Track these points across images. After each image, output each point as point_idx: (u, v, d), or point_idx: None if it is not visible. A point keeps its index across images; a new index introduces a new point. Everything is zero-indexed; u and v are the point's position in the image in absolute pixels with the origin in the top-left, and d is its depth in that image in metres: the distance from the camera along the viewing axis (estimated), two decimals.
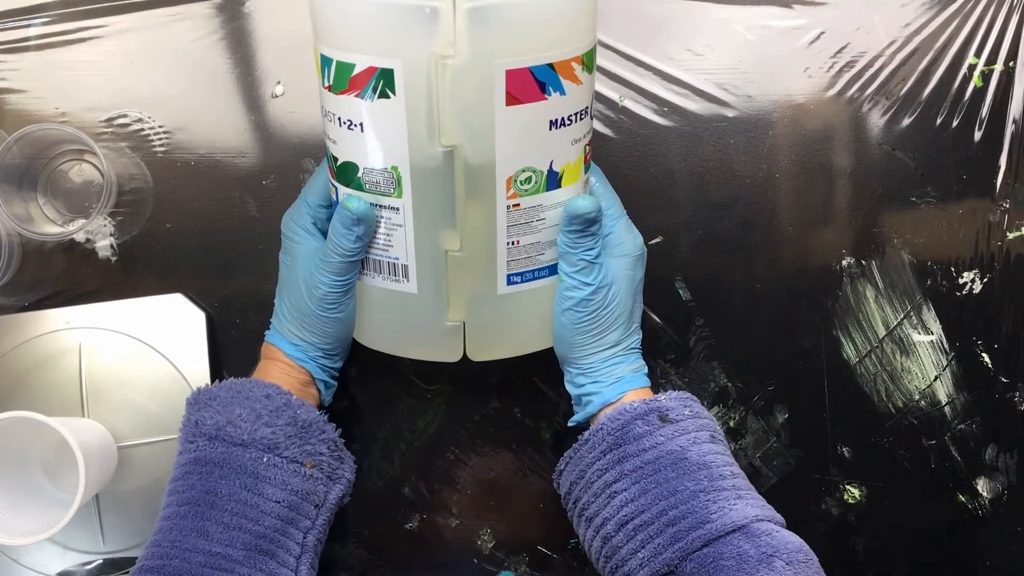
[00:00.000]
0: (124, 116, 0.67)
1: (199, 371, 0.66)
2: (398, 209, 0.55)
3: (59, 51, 0.67)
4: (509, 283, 0.58)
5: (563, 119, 0.53)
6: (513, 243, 0.56)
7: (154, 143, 0.67)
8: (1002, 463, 0.71)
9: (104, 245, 0.67)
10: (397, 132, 0.52)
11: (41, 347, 0.65)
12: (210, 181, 0.68)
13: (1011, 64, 0.68)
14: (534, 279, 0.58)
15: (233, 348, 0.68)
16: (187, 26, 0.67)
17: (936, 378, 0.70)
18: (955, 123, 0.69)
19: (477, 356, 0.61)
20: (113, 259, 0.68)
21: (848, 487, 0.71)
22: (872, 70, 0.68)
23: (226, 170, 0.68)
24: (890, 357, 0.70)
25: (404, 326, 0.60)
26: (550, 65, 0.51)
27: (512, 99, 0.51)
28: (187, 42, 0.67)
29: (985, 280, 0.70)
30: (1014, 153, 0.69)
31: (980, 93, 0.68)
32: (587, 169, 0.58)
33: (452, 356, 0.60)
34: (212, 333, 0.67)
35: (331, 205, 0.59)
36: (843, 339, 0.70)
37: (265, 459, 0.55)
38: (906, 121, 0.69)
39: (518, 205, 0.55)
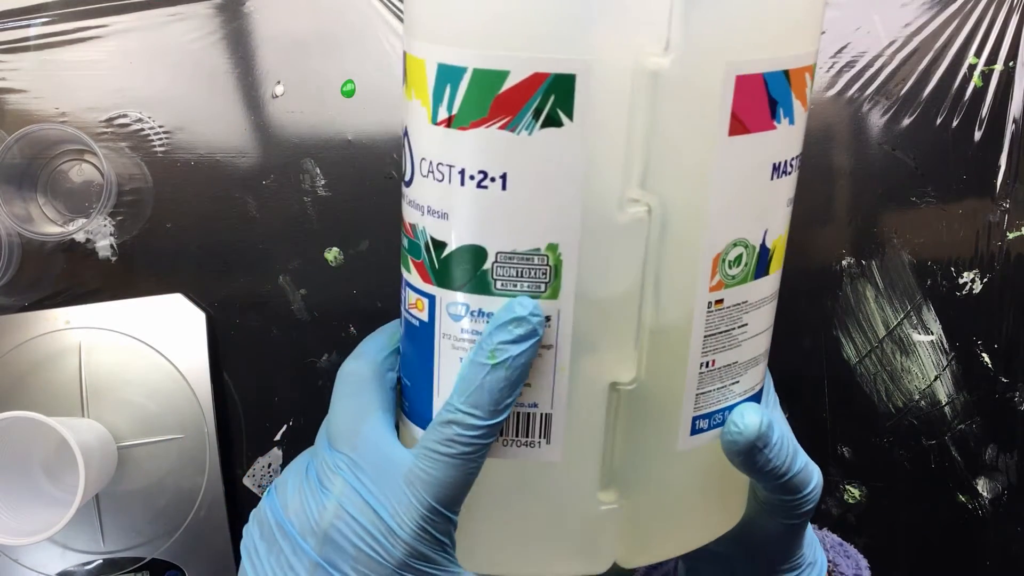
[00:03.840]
0: (124, 116, 0.67)
1: (199, 371, 0.66)
2: (548, 319, 0.36)
3: (59, 51, 0.67)
4: (694, 431, 0.39)
5: (786, 163, 0.38)
6: (708, 364, 0.39)
7: (154, 143, 0.67)
8: (1002, 463, 0.71)
9: (104, 245, 0.67)
10: (566, 184, 0.34)
11: (41, 347, 0.65)
12: (210, 181, 0.68)
13: (1011, 64, 0.68)
14: (723, 424, 0.40)
15: (233, 348, 0.68)
16: (187, 26, 0.67)
17: (936, 378, 0.70)
18: (955, 123, 0.69)
19: (632, 560, 0.41)
20: (113, 259, 0.68)
21: (848, 487, 0.71)
22: (872, 70, 0.68)
23: (226, 170, 0.68)
24: (890, 357, 0.70)
25: (528, 521, 0.39)
26: (785, 73, 0.35)
27: (738, 124, 0.35)
28: (187, 42, 0.67)
29: (985, 280, 0.70)
30: (1014, 153, 0.69)
31: (980, 93, 0.68)
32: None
33: (598, 564, 0.40)
34: (212, 333, 0.67)
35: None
36: (843, 339, 0.70)
37: None
38: (906, 121, 0.69)
39: (721, 302, 0.38)
